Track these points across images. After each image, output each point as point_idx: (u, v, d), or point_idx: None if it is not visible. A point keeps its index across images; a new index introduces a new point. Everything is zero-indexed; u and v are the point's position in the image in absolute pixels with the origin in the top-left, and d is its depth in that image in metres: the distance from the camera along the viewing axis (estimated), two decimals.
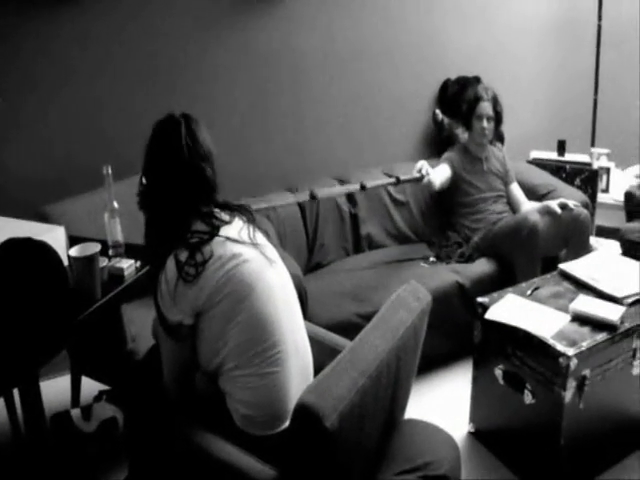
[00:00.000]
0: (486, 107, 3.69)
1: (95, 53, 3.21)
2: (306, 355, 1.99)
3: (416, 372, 2.06)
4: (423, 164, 3.44)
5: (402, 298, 1.95)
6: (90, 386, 2.74)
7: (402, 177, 3.40)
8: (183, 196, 1.83)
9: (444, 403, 3.05)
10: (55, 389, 2.77)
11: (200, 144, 1.85)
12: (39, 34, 3.05)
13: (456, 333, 3.14)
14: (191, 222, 1.82)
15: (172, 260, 1.75)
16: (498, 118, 3.75)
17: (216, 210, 1.88)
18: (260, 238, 1.93)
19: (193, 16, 3.43)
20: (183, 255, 1.74)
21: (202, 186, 1.85)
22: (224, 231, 1.82)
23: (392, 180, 3.42)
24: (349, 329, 2.80)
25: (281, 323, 1.86)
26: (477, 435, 2.84)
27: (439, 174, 3.63)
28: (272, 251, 1.96)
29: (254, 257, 1.84)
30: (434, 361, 3.21)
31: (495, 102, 3.72)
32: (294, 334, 1.93)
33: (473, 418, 2.85)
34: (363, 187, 3.23)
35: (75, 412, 2.28)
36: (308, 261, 3.52)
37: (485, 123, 3.70)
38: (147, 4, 3.30)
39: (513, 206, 3.85)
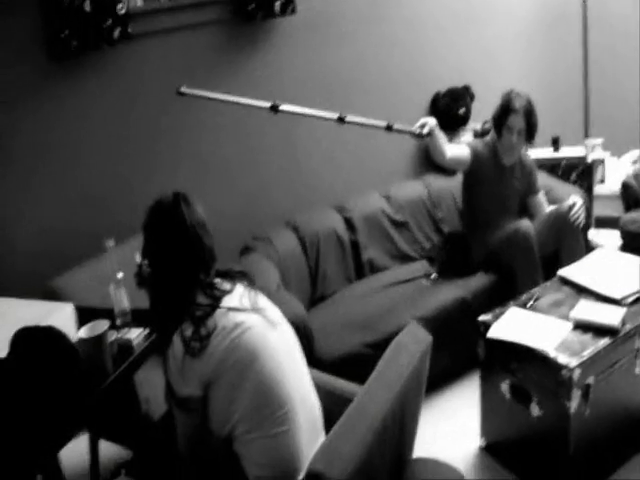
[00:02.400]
0: (518, 121, 3.48)
1: (91, 126, 3.32)
2: (314, 409, 2.05)
3: (421, 410, 2.13)
4: (428, 121, 3.24)
5: (402, 343, 2.02)
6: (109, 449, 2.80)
7: (396, 126, 3.18)
8: (187, 271, 1.92)
9: (454, 419, 3.09)
10: (73, 452, 2.83)
11: (199, 219, 1.95)
12: (37, 109, 3.15)
13: (462, 348, 3.15)
14: (194, 295, 1.90)
15: (178, 336, 1.83)
16: (531, 131, 3.55)
17: (217, 280, 1.96)
18: (262, 301, 2.01)
19: (180, 73, 3.50)
20: (188, 330, 1.82)
21: (204, 258, 1.94)
22: (226, 301, 1.90)
23: (382, 125, 3.19)
24: (358, 361, 2.89)
25: (288, 383, 1.92)
26: (488, 449, 2.88)
27: (455, 149, 3.48)
28: (274, 312, 2.04)
29: (257, 323, 1.91)
30: (442, 377, 3.23)
31: (529, 114, 3.50)
32: (301, 391, 1.99)
33: (483, 432, 2.90)
34: (341, 119, 3.17)
35: None
36: (312, 294, 3.55)
37: (515, 138, 3.52)
38: (141, 72, 3.42)
39: (536, 217, 3.68)
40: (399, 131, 3.23)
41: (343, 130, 4.00)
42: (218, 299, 1.90)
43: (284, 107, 3.08)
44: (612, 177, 4.48)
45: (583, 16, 4.78)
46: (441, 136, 3.33)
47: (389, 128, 3.18)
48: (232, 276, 2.02)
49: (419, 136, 3.24)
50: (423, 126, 3.22)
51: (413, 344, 2.05)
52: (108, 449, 2.77)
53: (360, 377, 2.19)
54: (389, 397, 1.81)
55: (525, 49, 4.91)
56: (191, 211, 1.94)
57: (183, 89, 3.11)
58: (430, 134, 3.23)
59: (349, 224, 3.77)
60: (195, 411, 1.90)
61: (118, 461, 2.71)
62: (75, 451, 2.76)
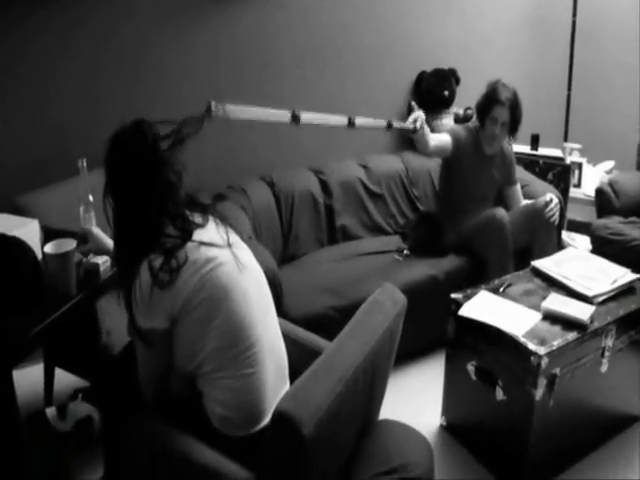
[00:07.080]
0: (503, 113, 3.42)
1: (68, 48, 3.20)
2: (281, 354, 2.00)
3: (390, 373, 2.09)
4: (419, 115, 3.17)
5: (378, 301, 1.97)
6: (65, 377, 2.72)
7: (395, 123, 3.15)
8: (152, 199, 1.79)
9: (417, 396, 3.08)
10: (28, 379, 2.73)
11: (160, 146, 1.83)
12: (10, 30, 3.04)
13: (430, 326, 3.15)
14: (163, 226, 1.80)
15: (146, 267, 1.73)
16: (514, 125, 3.50)
17: (188, 212, 1.86)
18: (234, 238, 1.92)
19: (159, 13, 3.42)
20: (157, 261, 1.72)
21: (169, 186, 1.82)
22: (197, 235, 1.81)
23: (383, 124, 3.13)
24: (324, 322, 2.88)
25: (257, 324, 1.86)
26: (449, 428, 2.87)
27: (437, 138, 3.40)
28: (246, 251, 1.96)
29: (228, 260, 1.83)
30: (408, 353, 3.22)
31: (514, 108, 3.44)
32: (269, 334, 1.93)
33: (445, 412, 2.89)
34: (351, 123, 3.00)
35: (50, 411, 2.25)
36: (283, 252, 3.51)
37: (498, 129, 3.47)
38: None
39: (511, 208, 3.66)
40: (397, 128, 3.21)
41: (327, 98, 3.97)
42: (189, 232, 1.80)
43: (304, 117, 2.87)
44: (587, 183, 4.50)
45: (572, 23, 4.81)
46: (427, 128, 3.26)
47: (389, 126, 3.14)
48: (204, 209, 1.92)
49: (414, 131, 3.18)
50: (415, 120, 3.17)
51: (389, 304, 2.01)
52: (66, 376, 2.67)
53: (324, 338, 2.14)
54: (362, 351, 1.76)
55: (515, 44, 4.89)
56: (155, 136, 1.82)
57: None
58: (422, 127, 3.18)
59: (325, 188, 3.74)
60: (159, 345, 1.81)
61: (76, 387, 2.63)
62: (30, 376, 2.68)
